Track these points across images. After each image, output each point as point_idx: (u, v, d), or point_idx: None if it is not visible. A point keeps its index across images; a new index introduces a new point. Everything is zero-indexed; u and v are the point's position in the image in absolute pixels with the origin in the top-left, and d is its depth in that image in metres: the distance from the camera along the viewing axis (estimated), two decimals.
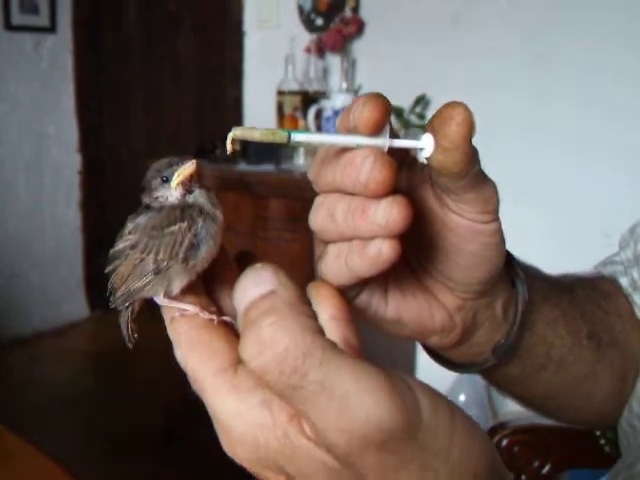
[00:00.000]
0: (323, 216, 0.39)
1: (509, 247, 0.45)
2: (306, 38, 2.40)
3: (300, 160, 2.22)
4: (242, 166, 2.14)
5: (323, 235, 0.40)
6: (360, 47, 2.34)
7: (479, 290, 0.45)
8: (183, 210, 0.38)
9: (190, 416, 2.10)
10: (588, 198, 1.98)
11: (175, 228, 0.37)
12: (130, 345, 0.39)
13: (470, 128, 0.36)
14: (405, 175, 0.42)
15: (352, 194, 0.37)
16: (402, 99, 2.16)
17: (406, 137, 0.39)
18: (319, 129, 2.15)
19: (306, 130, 0.36)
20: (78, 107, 3.39)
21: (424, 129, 0.39)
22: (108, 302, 0.38)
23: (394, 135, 0.38)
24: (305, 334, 0.27)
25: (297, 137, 0.36)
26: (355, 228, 0.37)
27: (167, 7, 3.10)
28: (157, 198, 0.39)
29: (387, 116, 0.37)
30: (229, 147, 0.36)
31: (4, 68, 3.08)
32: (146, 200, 0.39)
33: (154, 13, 3.17)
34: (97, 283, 3.48)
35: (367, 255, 0.37)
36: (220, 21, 2.75)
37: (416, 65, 2.21)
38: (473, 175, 0.38)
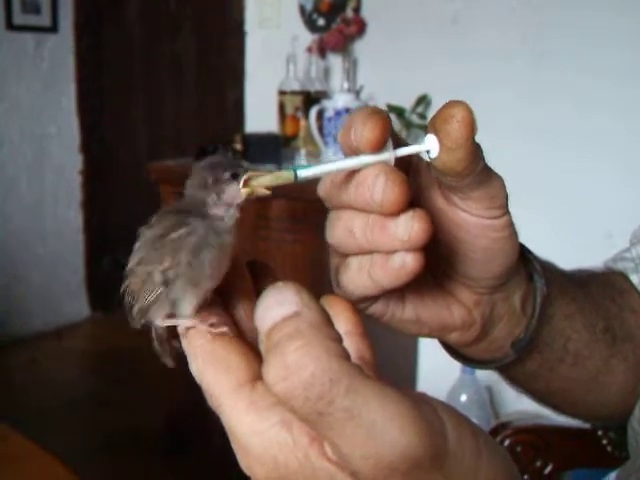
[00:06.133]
0: (341, 232, 0.39)
1: None
2: (308, 38, 2.39)
3: (301, 160, 2.22)
4: None
5: (342, 249, 0.40)
6: (361, 47, 2.34)
7: (495, 284, 0.45)
8: (178, 215, 0.36)
9: (192, 418, 2.10)
10: (590, 199, 1.98)
11: (175, 235, 0.35)
12: (170, 364, 0.37)
13: (471, 126, 0.36)
14: (411, 177, 0.41)
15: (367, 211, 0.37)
16: (403, 99, 2.16)
17: (408, 138, 0.39)
18: (320, 129, 2.15)
19: (310, 164, 0.37)
20: (79, 107, 3.39)
21: (425, 129, 0.39)
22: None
23: (398, 143, 0.38)
24: (331, 359, 0.26)
25: (303, 173, 0.36)
26: (375, 243, 0.37)
27: (168, 7, 3.10)
28: (220, 192, 0.37)
29: (389, 130, 0.36)
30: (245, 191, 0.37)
31: (5, 68, 3.09)
32: (200, 194, 0.37)
33: (155, 13, 3.17)
34: (98, 284, 3.48)
35: (391, 268, 0.37)
36: (221, 21, 2.75)
37: (417, 65, 2.21)
38: (478, 172, 0.38)
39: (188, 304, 0.35)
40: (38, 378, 2.87)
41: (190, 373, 0.34)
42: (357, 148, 0.37)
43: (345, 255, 0.40)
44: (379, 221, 0.37)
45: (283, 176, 0.36)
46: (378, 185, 0.35)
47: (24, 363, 2.99)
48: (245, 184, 0.37)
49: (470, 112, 0.36)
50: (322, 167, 0.37)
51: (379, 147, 0.36)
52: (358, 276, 0.39)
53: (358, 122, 0.36)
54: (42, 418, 2.42)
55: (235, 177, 0.37)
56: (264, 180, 0.36)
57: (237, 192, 0.37)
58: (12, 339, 3.05)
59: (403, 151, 0.38)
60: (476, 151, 0.37)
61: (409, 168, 0.41)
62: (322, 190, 0.40)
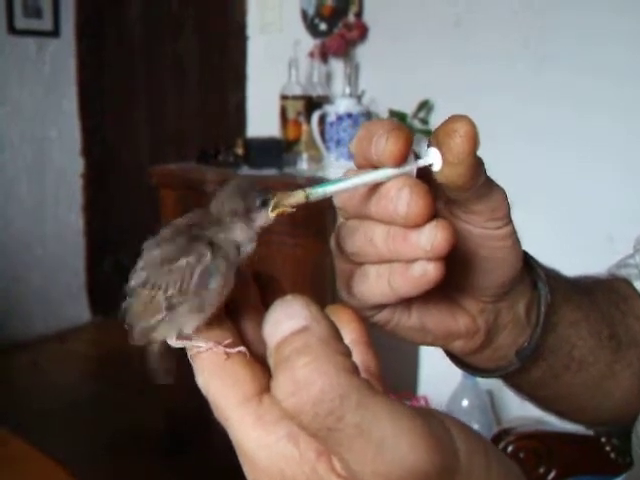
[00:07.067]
0: (361, 241, 0.39)
1: None
2: (310, 43, 2.40)
3: (303, 165, 2.22)
4: (245, 170, 2.14)
5: (360, 258, 0.40)
6: (363, 52, 2.34)
7: (499, 293, 0.45)
8: (190, 242, 0.36)
9: (192, 418, 2.09)
10: (591, 202, 1.97)
11: (182, 263, 0.35)
12: (168, 382, 0.37)
13: (474, 140, 0.36)
14: None
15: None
16: (405, 104, 2.16)
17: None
18: (322, 134, 2.15)
19: (336, 179, 0.36)
20: (81, 110, 3.40)
21: (428, 142, 0.38)
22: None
23: (416, 156, 0.38)
24: (340, 375, 0.26)
25: (331, 189, 0.36)
26: (397, 252, 0.37)
27: (170, 8, 3.10)
28: (250, 220, 0.37)
29: (411, 144, 0.36)
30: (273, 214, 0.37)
31: (7, 72, 3.09)
32: (227, 219, 0.37)
33: (157, 14, 3.17)
34: (99, 287, 3.48)
35: (411, 276, 0.37)
36: (223, 25, 2.76)
37: (419, 70, 2.21)
38: (479, 186, 0.38)
39: (190, 327, 0.35)
40: (40, 381, 2.88)
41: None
42: (378, 161, 0.37)
43: (360, 263, 0.40)
44: (401, 231, 0.37)
45: (312, 194, 0.36)
46: (402, 198, 0.36)
47: (26, 366, 2.99)
48: (273, 207, 0.37)
49: (473, 126, 0.36)
50: (338, 186, 0.37)
51: (402, 160, 0.36)
52: (376, 284, 0.39)
53: (379, 135, 0.36)
54: (44, 420, 2.43)
55: (265, 204, 0.37)
56: (293, 199, 0.36)
57: (267, 218, 0.37)
58: (13, 342, 3.05)
59: (410, 165, 0.38)
60: (478, 166, 0.37)
61: (430, 178, 0.40)
62: (340, 201, 0.40)
